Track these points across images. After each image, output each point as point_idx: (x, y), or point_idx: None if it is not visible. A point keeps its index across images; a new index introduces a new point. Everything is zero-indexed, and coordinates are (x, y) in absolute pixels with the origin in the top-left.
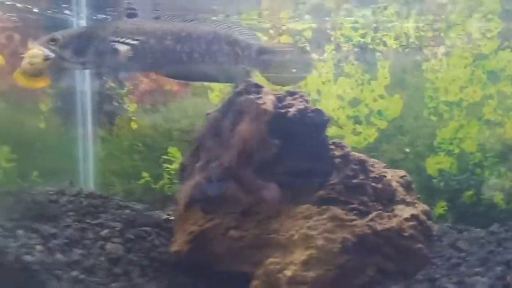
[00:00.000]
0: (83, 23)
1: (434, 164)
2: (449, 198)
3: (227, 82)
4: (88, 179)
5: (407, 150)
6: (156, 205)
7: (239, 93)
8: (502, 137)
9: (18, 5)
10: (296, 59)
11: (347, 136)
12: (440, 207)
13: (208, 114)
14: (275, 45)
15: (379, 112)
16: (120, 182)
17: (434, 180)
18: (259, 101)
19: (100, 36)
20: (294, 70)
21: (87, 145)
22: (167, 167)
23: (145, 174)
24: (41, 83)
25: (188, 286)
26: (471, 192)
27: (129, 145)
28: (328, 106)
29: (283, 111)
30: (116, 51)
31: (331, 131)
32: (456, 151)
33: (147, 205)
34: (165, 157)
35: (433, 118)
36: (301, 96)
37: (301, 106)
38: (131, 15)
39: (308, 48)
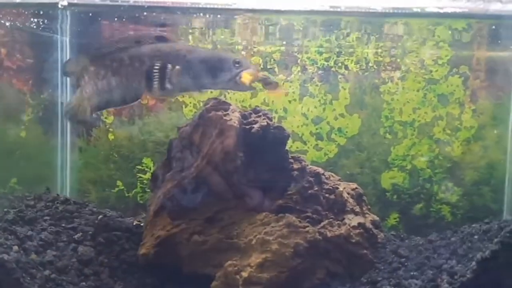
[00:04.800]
0: (67, 40)
1: (388, 179)
2: (401, 210)
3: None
4: (65, 187)
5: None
6: (129, 213)
7: (208, 110)
8: (450, 155)
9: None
10: None
11: (310, 151)
12: (393, 219)
13: (179, 128)
14: None
15: (340, 130)
16: (95, 190)
17: (387, 194)
18: (226, 118)
19: None
20: None
21: (66, 154)
22: (140, 177)
23: (119, 183)
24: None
25: (154, 287)
26: (421, 205)
27: (106, 155)
28: (293, 123)
29: (247, 127)
30: None
31: (295, 146)
32: (409, 167)
33: (120, 212)
34: (139, 167)
35: (389, 136)
36: (264, 114)
37: (264, 123)
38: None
39: None
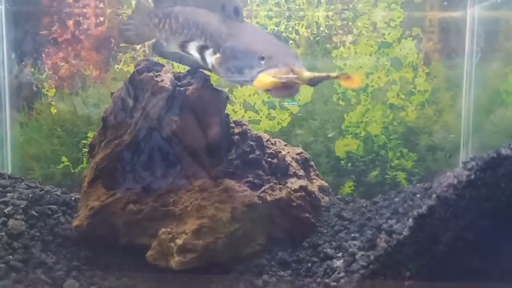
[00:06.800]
0: (2, 8)
1: (342, 147)
2: (356, 178)
3: None
4: (6, 164)
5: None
6: (76, 189)
7: (139, 71)
8: (404, 120)
9: None
10: None
11: (263, 121)
12: (348, 187)
13: (112, 93)
14: None
15: (292, 97)
16: (39, 166)
17: (342, 162)
18: (157, 79)
19: None
20: None
21: (5, 130)
22: (86, 152)
23: (64, 159)
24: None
25: (89, 259)
26: (376, 172)
27: (49, 130)
28: (245, 92)
29: (182, 89)
30: None
31: (247, 115)
32: (363, 134)
33: (65, 188)
34: (85, 141)
35: (342, 103)
36: (202, 76)
37: (200, 85)
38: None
39: None
